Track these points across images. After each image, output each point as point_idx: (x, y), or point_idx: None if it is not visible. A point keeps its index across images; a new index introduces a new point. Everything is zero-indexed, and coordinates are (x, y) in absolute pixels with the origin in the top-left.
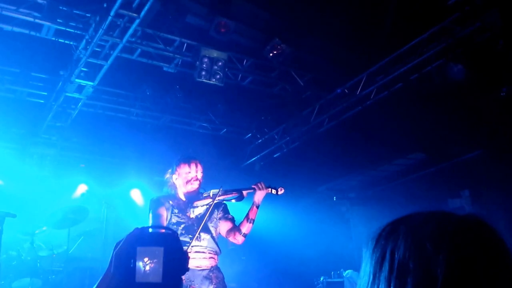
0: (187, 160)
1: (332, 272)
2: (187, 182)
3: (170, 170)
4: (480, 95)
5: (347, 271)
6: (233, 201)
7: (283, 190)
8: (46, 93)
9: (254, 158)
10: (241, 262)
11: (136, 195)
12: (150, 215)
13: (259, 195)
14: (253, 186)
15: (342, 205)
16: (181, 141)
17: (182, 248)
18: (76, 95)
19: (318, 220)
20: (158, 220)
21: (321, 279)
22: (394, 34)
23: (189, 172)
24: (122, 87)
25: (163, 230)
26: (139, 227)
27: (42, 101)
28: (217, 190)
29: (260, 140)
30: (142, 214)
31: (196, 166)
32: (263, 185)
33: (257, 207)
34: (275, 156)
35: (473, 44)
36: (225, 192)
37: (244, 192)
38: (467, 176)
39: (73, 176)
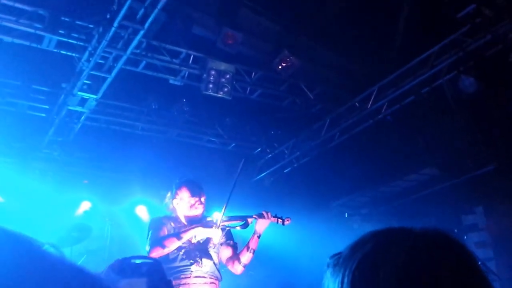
0: (189, 184)
1: None
2: (191, 206)
3: (169, 194)
4: (493, 109)
5: None
6: (238, 228)
7: (289, 221)
8: (47, 107)
9: (263, 174)
10: (250, 277)
11: (142, 212)
12: (150, 234)
13: (262, 225)
14: (254, 216)
15: (353, 222)
16: (188, 156)
17: (166, 278)
18: (78, 109)
19: (329, 237)
20: (158, 237)
21: None
22: (404, 47)
23: (192, 196)
24: (127, 100)
25: (144, 260)
26: (120, 258)
27: (43, 115)
28: (221, 216)
29: (269, 155)
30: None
31: (199, 189)
32: (269, 214)
33: (259, 236)
34: (285, 171)
35: (484, 56)
36: (230, 219)
37: (249, 220)
38: (481, 192)
39: (76, 192)
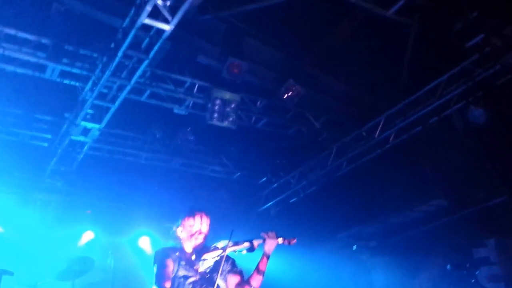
0: (191, 213)
1: None
2: (191, 236)
3: (176, 223)
4: (503, 139)
5: None
6: (244, 252)
7: (295, 241)
8: (50, 136)
9: (269, 204)
10: None
11: (145, 244)
12: (156, 267)
13: (270, 245)
14: (263, 235)
15: (362, 254)
16: (192, 185)
17: None
18: (81, 138)
19: (337, 270)
20: (164, 272)
21: None
22: (413, 76)
23: (193, 226)
24: (130, 130)
25: None
26: None
27: (46, 145)
28: (227, 242)
29: (275, 185)
30: (151, 263)
31: (201, 219)
32: (274, 234)
33: (268, 257)
34: (291, 201)
35: (494, 86)
36: (236, 243)
37: (255, 243)
38: (493, 223)
39: (78, 223)
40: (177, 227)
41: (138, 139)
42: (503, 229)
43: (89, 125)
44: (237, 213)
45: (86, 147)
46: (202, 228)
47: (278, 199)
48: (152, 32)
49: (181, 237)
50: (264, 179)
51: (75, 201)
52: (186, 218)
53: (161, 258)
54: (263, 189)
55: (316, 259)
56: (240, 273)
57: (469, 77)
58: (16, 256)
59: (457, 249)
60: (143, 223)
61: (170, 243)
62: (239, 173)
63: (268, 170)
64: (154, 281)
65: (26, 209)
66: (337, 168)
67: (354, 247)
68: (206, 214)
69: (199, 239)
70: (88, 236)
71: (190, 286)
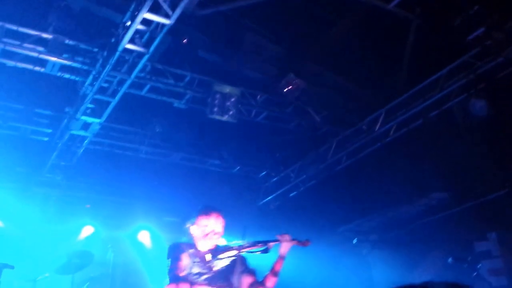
0: (206, 212)
1: None
2: (205, 235)
3: (190, 220)
4: (505, 131)
5: None
6: (258, 253)
7: (309, 243)
8: (50, 131)
9: (269, 198)
10: None
11: (145, 238)
12: (170, 260)
13: (285, 247)
14: (278, 238)
15: (362, 248)
16: (192, 180)
17: None
18: (82, 133)
19: (337, 263)
20: (179, 265)
21: None
22: (413, 70)
23: (207, 226)
24: (130, 124)
25: None
26: None
27: (46, 139)
28: (241, 242)
29: (275, 179)
30: (151, 257)
31: (216, 219)
32: (289, 237)
33: (283, 259)
34: (291, 195)
35: (496, 79)
36: (252, 244)
37: (270, 244)
38: (494, 217)
39: (78, 217)
40: (191, 224)
41: (138, 133)
42: (504, 223)
43: (89, 119)
44: (237, 207)
45: (86, 141)
46: (217, 228)
47: (278, 193)
48: (152, 27)
49: (194, 235)
50: (264, 173)
51: (75, 196)
52: (200, 217)
53: (176, 252)
54: (263, 183)
55: (316, 252)
56: (254, 272)
57: (470, 70)
58: (16, 250)
59: (458, 243)
60: (143, 217)
61: (183, 239)
62: (238, 167)
63: (268, 164)
64: (167, 274)
65: (26, 203)
66: (337, 162)
67: (355, 241)
68: (221, 215)
69: (214, 239)
70: (88, 230)
71: (205, 283)
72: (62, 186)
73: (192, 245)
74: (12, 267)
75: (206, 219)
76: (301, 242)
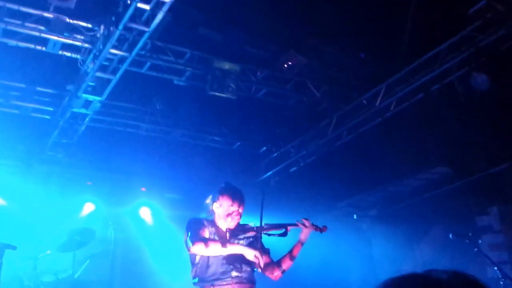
0: (233, 194)
1: None
2: (228, 215)
3: (211, 196)
4: (506, 106)
5: None
6: (276, 236)
7: (326, 229)
8: (52, 109)
9: (269, 173)
10: None
11: (146, 214)
12: (189, 233)
13: (306, 233)
14: (298, 223)
15: (363, 223)
16: (192, 156)
17: None
18: (83, 111)
19: (337, 239)
20: (200, 232)
21: None
22: (414, 44)
23: (232, 206)
24: (131, 101)
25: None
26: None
27: (48, 117)
28: (260, 223)
29: (275, 154)
30: (152, 234)
31: (241, 201)
32: (309, 222)
33: (302, 245)
34: (291, 170)
35: (497, 53)
36: (270, 226)
37: (289, 228)
38: (495, 191)
39: (80, 194)
40: (214, 201)
41: (138, 110)
42: (506, 197)
43: (91, 97)
44: (237, 183)
45: (87, 119)
46: (240, 209)
47: (278, 168)
48: (152, 4)
49: (216, 213)
50: (264, 148)
51: (76, 173)
52: (226, 197)
53: (196, 227)
54: (263, 159)
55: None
56: (268, 252)
57: (471, 43)
58: (18, 228)
59: (459, 218)
60: (144, 194)
61: (201, 215)
62: (239, 143)
63: (268, 140)
64: (188, 238)
65: (27, 181)
66: (337, 137)
67: (355, 216)
68: (243, 196)
69: (235, 220)
70: (89, 207)
71: (224, 261)
72: (63, 163)
73: (212, 222)
74: (14, 248)
75: (231, 200)
76: (319, 228)
